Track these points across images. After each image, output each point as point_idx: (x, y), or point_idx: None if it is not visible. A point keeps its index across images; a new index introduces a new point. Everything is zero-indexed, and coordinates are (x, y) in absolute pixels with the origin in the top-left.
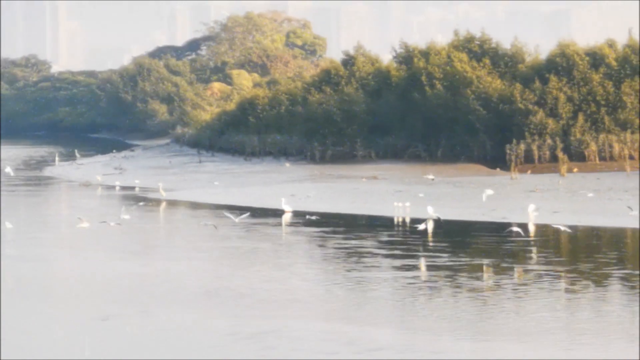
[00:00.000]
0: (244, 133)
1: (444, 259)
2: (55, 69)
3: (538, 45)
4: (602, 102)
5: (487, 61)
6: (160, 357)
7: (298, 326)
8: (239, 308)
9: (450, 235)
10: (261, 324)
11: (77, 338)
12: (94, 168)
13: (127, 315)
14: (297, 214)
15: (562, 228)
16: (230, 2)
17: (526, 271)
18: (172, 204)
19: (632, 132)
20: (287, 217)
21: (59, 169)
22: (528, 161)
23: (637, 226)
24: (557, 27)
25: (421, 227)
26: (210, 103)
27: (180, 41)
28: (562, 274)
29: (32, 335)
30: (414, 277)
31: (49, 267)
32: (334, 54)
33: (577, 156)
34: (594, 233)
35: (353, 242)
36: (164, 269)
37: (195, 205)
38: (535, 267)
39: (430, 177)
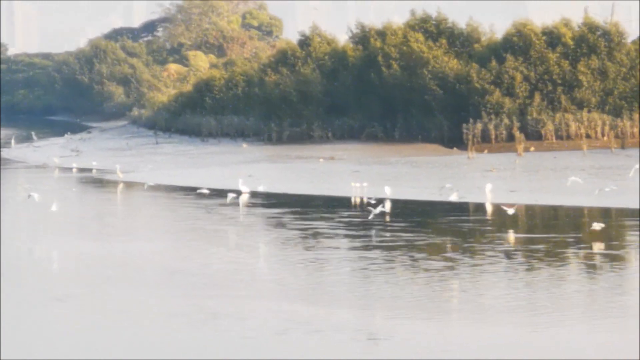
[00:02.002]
0: (201, 114)
1: (401, 239)
2: (12, 51)
3: (493, 24)
4: (559, 81)
5: (444, 41)
6: (112, 337)
7: (254, 306)
8: (195, 289)
9: (408, 215)
10: (217, 304)
11: (34, 318)
12: (51, 150)
13: (82, 295)
14: (254, 194)
15: (510, 211)
16: None
17: (482, 250)
18: (129, 185)
19: (589, 111)
20: (244, 198)
21: (16, 151)
22: (485, 141)
23: (594, 205)
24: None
25: (372, 215)
26: (166, 84)
27: (136, 23)
28: (520, 253)
29: None
30: (371, 258)
31: (6, 249)
32: (290, 35)
33: (534, 135)
34: (552, 212)
35: (311, 222)
36: (121, 250)
37: (153, 187)
38: (492, 246)
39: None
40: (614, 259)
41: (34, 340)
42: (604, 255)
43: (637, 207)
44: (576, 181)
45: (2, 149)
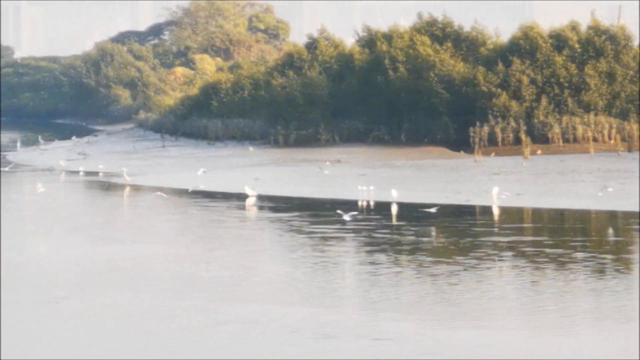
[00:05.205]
0: (208, 117)
1: (408, 242)
2: (18, 54)
3: (497, 27)
4: (566, 85)
5: (449, 44)
6: (116, 340)
7: (260, 309)
8: (202, 292)
9: (415, 218)
10: (224, 308)
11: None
12: (58, 153)
13: (80, 298)
14: (261, 197)
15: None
16: None
17: (488, 253)
18: (136, 188)
19: (596, 114)
20: (250, 201)
21: (22, 154)
22: (491, 144)
23: (601, 208)
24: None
25: (346, 217)
26: (173, 88)
27: (143, 26)
28: (527, 256)
29: None
30: (378, 261)
31: (15, 252)
32: (297, 38)
33: (541, 138)
34: (558, 215)
35: (318, 225)
36: (127, 253)
37: (159, 190)
38: (498, 248)
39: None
40: (622, 262)
41: (30, 342)
42: (612, 259)
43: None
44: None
45: (8, 153)
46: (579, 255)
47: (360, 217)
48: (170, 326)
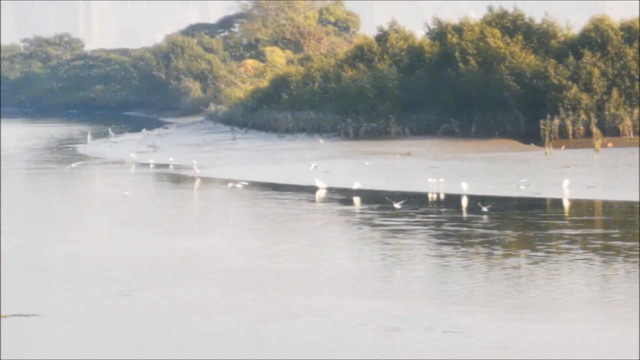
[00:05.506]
0: (278, 110)
1: (478, 234)
2: (89, 47)
3: (568, 20)
4: (637, 77)
5: (520, 37)
6: (186, 333)
7: (330, 303)
8: (272, 285)
9: (485, 211)
10: (293, 301)
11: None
12: (128, 146)
13: (154, 290)
14: (331, 190)
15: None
16: None
17: (560, 246)
18: (206, 181)
19: None
20: (320, 194)
21: (92, 147)
22: (562, 136)
23: None
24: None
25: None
26: (243, 80)
27: (213, 19)
28: (597, 249)
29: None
30: (447, 253)
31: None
32: (367, 30)
33: (611, 131)
34: (629, 208)
35: (387, 218)
36: (197, 246)
37: (229, 182)
38: (569, 241)
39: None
40: None
41: (99, 334)
42: None
43: None
44: None
45: (79, 145)
46: None
47: (430, 209)
48: (240, 319)
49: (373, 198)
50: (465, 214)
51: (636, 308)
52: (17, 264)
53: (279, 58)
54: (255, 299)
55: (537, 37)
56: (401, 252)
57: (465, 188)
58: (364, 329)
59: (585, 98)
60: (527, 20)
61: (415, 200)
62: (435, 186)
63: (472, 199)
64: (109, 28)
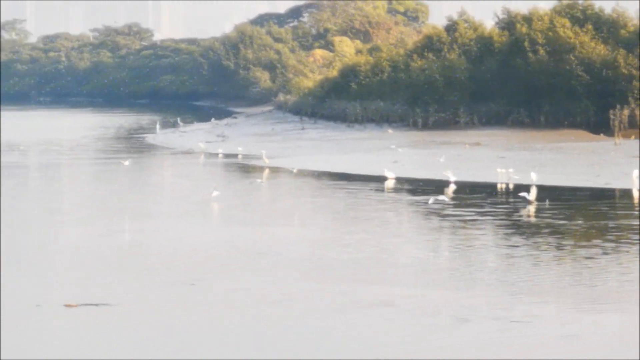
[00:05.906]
0: (346, 100)
1: (546, 225)
2: (158, 37)
3: (638, 9)
4: None
5: (590, 27)
6: (252, 322)
7: (398, 293)
8: (341, 275)
9: (554, 201)
10: (364, 291)
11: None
12: (197, 136)
13: (220, 281)
14: (399, 180)
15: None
16: None
17: (630, 236)
18: (275, 170)
19: None
20: (389, 184)
21: (162, 136)
22: (632, 126)
23: None
24: None
25: (526, 195)
26: (312, 70)
27: (282, 9)
28: None
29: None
30: (516, 243)
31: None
32: (436, 20)
33: None
34: None
35: (456, 209)
36: (265, 236)
37: (299, 173)
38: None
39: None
40: None
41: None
42: None
43: None
44: None
45: (148, 135)
46: None
47: (499, 200)
48: (309, 308)
49: (442, 188)
50: (534, 204)
51: None
52: (87, 253)
53: (347, 48)
54: (325, 289)
55: (606, 26)
56: (469, 242)
57: (534, 178)
58: (432, 319)
59: None
60: (596, 10)
61: (484, 191)
62: (504, 176)
63: (541, 189)
64: (178, 18)
